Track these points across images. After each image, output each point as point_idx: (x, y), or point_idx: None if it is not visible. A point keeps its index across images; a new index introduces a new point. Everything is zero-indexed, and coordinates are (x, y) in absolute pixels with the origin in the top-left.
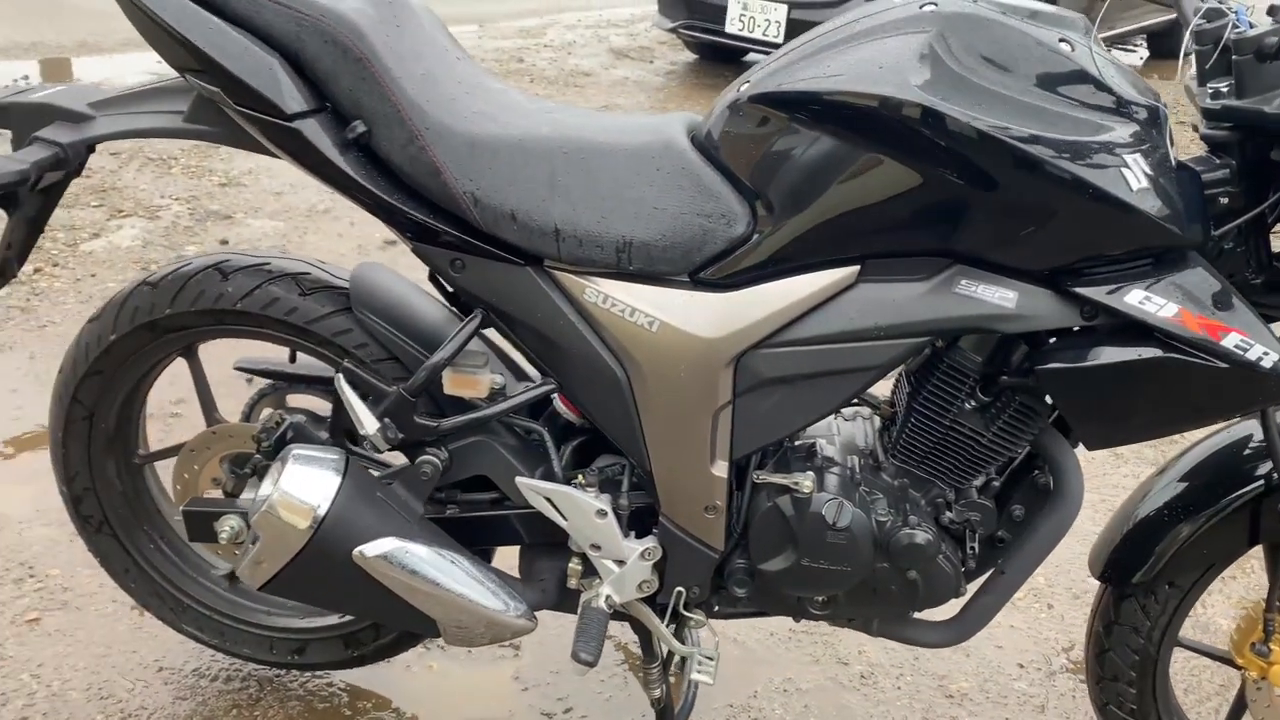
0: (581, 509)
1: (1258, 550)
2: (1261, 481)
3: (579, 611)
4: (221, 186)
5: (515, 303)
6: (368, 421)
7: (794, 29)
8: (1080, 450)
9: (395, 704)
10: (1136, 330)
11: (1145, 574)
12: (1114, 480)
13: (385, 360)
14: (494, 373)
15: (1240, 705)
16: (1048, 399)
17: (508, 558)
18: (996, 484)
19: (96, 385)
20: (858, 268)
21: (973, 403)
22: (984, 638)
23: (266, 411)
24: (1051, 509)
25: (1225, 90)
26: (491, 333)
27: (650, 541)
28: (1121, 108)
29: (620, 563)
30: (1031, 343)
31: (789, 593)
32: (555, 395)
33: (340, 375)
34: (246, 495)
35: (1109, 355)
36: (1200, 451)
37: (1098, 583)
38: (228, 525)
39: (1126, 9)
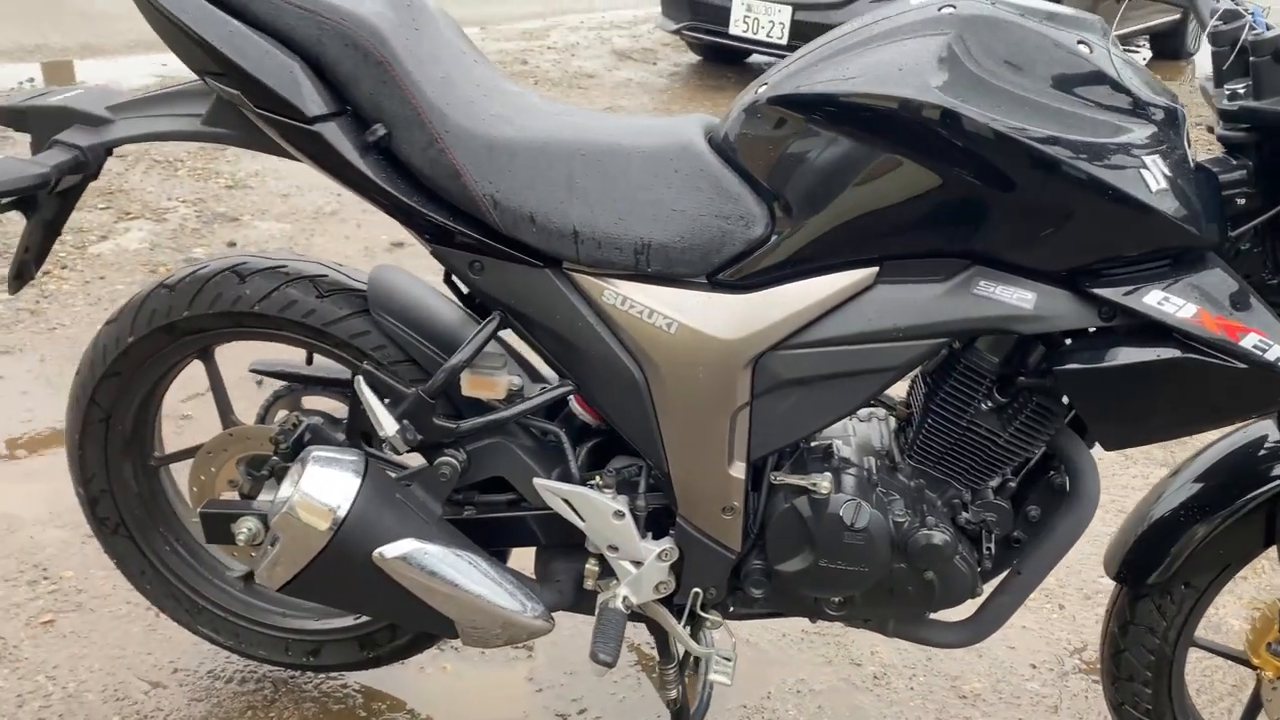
0: (599, 510)
1: (1271, 550)
2: (1277, 482)
3: (597, 613)
4: (228, 189)
5: (534, 304)
6: (387, 423)
7: (798, 30)
8: (1094, 450)
9: (410, 705)
10: (1154, 331)
11: (1161, 574)
12: (1123, 481)
13: (402, 362)
14: (511, 374)
15: (1255, 705)
16: (1064, 400)
17: (521, 560)
18: (1012, 485)
19: (114, 387)
20: (876, 269)
21: (990, 403)
22: (996, 638)
23: (282, 413)
24: (1068, 509)
25: (1243, 91)
26: (507, 334)
27: (667, 543)
28: (1140, 109)
29: (637, 564)
30: (1048, 344)
31: (806, 593)
32: (572, 397)
33: (360, 377)
34: (264, 497)
35: (1127, 356)
36: (1216, 452)
37: (1109, 583)
38: (245, 527)
39: (1130, 9)
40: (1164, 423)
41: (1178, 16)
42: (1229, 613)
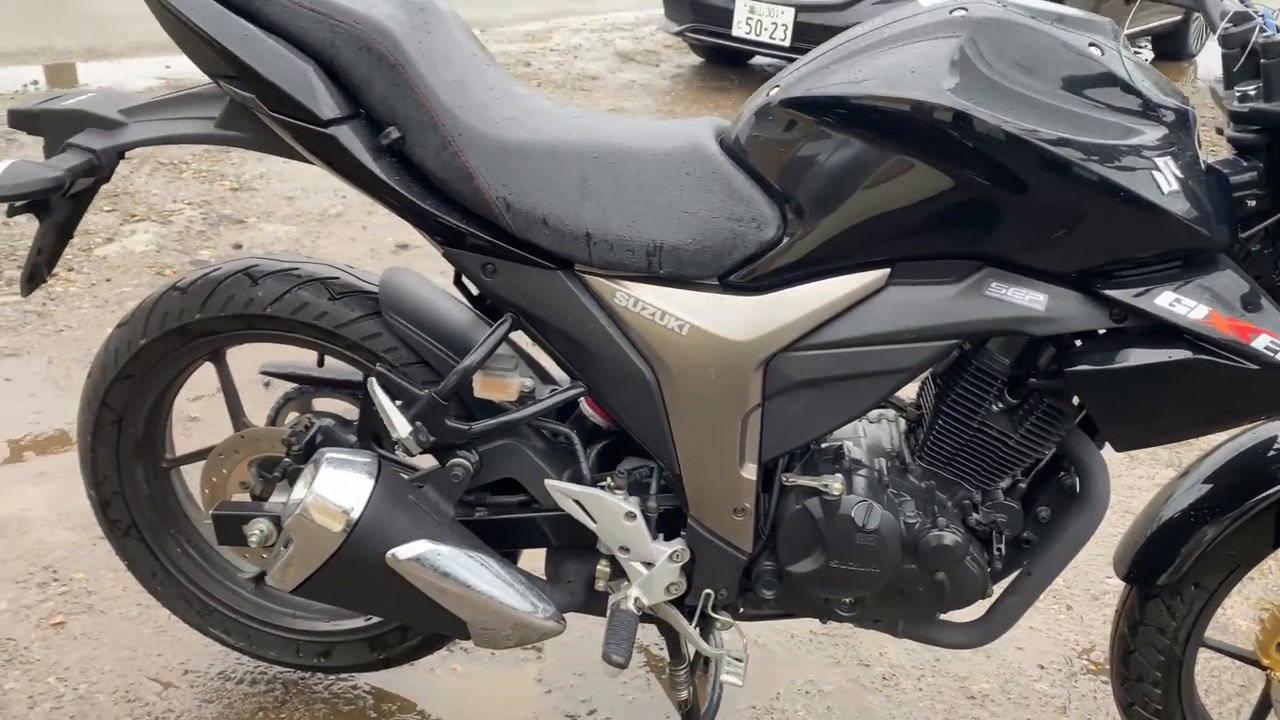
0: (611, 511)
1: (1277, 552)
2: None
3: (608, 614)
4: (233, 191)
5: (546, 306)
6: (400, 425)
7: (801, 32)
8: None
9: (420, 706)
10: (1165, 332)
11: (1171, 575)
12: (1129, 482)
13: (414, 364)
14: (523, 376)
15: (1265, 706)
16: (1075, 401)
17: (530, 561)
18: (1023, 485)
19: (126, 390)
20: (888, 271)
21: (1000, 405)
22: (1004, 639)
23: (292, 415)
24: (1078, 510)
25: (1253, 93)
26: (516, 335)
27: (678, 544)
28: (1151, 110)
29: (649, 565)
30: (1059, 345)
31: (817, 594)
32: (582, 398)
33: (373, 379)
34: (276, 499)
35: (1139, 357)
36: (1225, 453)
37: (1117, 584)
38: (258, 529)
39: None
40: (1175, 424)
41: (1179, 17)
42: (1236, 613)
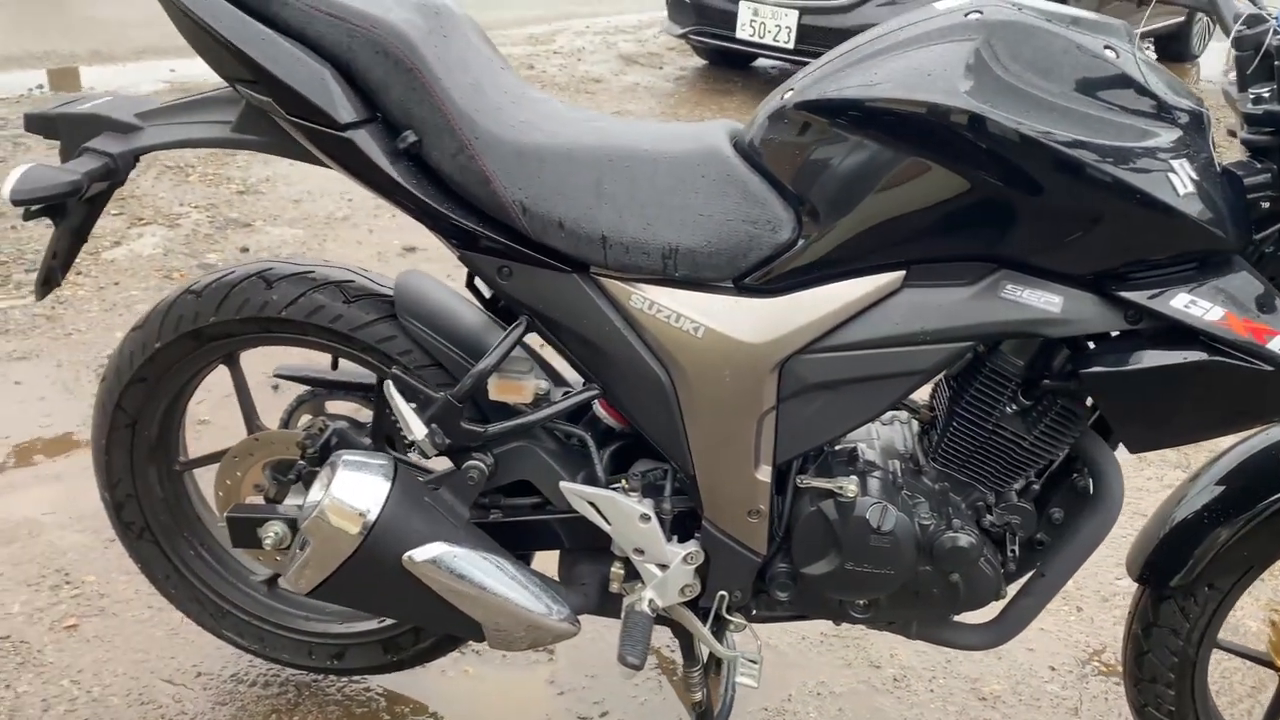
0: (625, 513)
1: None
2: None
3: (623, 615)
4: (240, 194)
5: (562, 309)
6: (416, 427)
7: (804, 34)
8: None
9: (432, 708)
10: (1180, 334)
11: (1184, 577)
12: (1138, 483)
13: (429, 366)
14: (538, 379)
15: (1277, 707)
16: (1089, 402)
17: (540, 564)
18: (1036, 487)
19: (140, 393)
20: (903, 273)
21: (1014, 406)
22: (1015, 641)
23: (305, 418)
24: (1092, 511)
25: (1267, 95)
26: (529, 338)
27: (693, 546)
28: (1166, 113)
29: (663, 567)
30: (1073, 347)
31: (831, 596)
32: (596, 400)
33: (389, 382)
34: (291, 501)
35: (1154, 359)
36: (1237, 455)
37: (1127, 585)
38: (272, 531)
39: (1134, 12)
40: (1190, 425)
41: (1182, 19)
42: (1245, 614)
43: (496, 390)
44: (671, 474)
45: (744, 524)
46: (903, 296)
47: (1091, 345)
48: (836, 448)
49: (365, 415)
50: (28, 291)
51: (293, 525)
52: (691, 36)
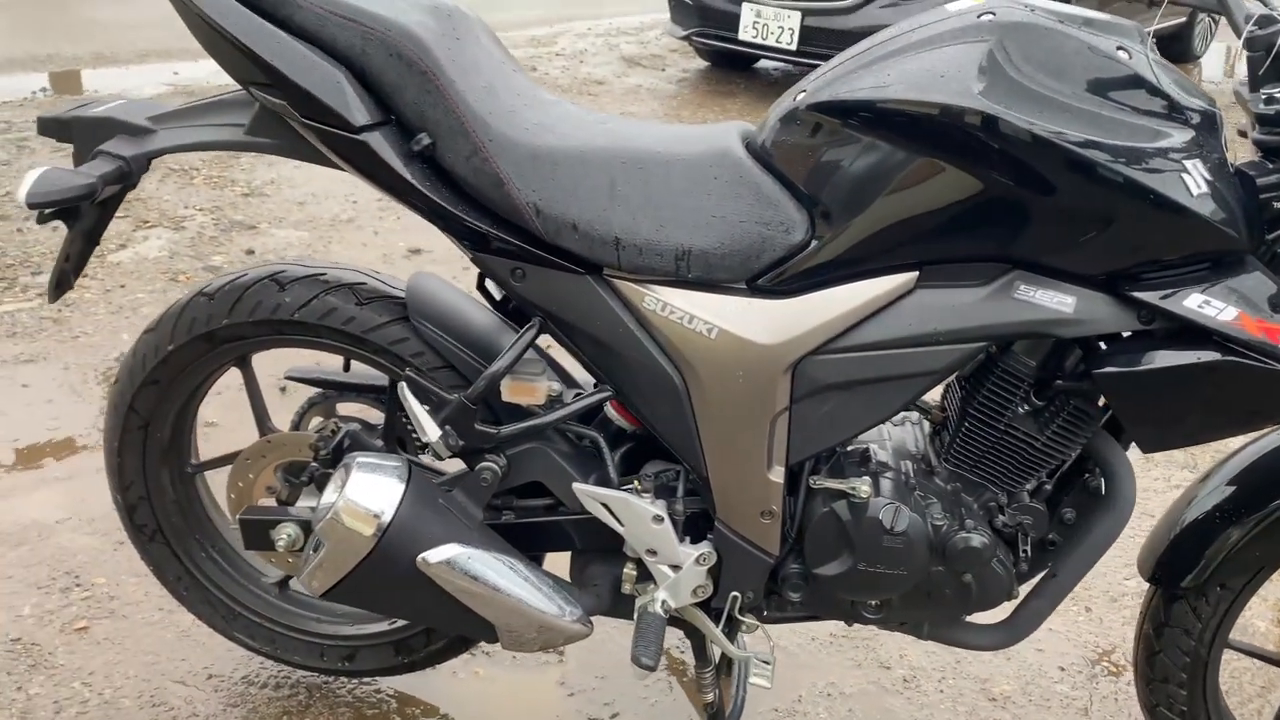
0: (638, 514)
1: None
2: None
3: (636, 616)
4: (244, 196)
5: (575, 311)
6: (430, 429)
7: (808, 36)
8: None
9: (443, 710)
10: (1193, 334)
11: (1196, 577)
12: (1145, 484)
13: (441, 368)
14: (550, 380)
15: None
16: (1101, 402)
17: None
18: (1048, 487)
19: (153, 395)
20: (916, 274)
21: (1027, 407)
22: (1024, 641)
23: (316, 420)
24: (1104, 511)
25: (1279, 95)
26: (540, 339)
27: (705, 547)
28: (1180, 113)
29: (676, 568)
30: (1085, 347)
31: (843, 597)
32: (608, 402)
33: (403, 384)
34: (303, 503)
35: (1168, 359)
36: (1248, 455)
37: (1136, 585)
38: (285, 533)
39: (1138, 12)
40: (1203, 425)
41: (1184, 19)
42: (1254, 614)
43: (510, 392)
44: (684, 475)
45: (757, 525)
46: (916, 297)
47: (1103, 345)
48: (849, 448)
49: (375, 417)
50: (34, 294)
51: (306, 527)
52: (694, 38)
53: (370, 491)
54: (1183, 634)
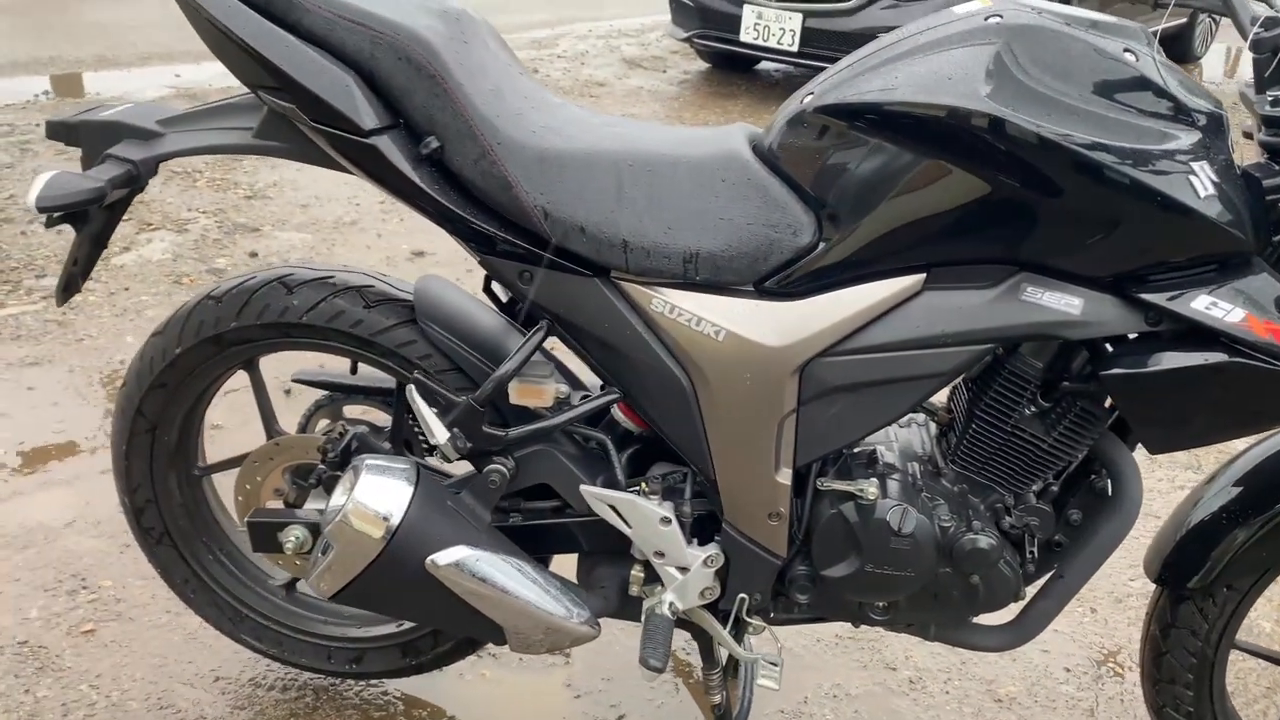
0: (646, 516)
1: None
2: None
3: (644, 618)
4: (247, 199)
5: (583, 313)
6: (439, 432)
7: (809, 37)
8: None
9: (450, 712)
10: (1201, 335)
11: (1202, 578)
12: (1149, 485)
13: (449, 371)
14: (558, 382)
15: None
16: (1107, 404)
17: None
18: (1054, 488)
19: (160, 398)
20: (923, 275)
21: (1034, 408)
22: (1030, 642)
23: (323, 423)
24: (1111, 513)
25: None
26: (548, 342)
27: (713, 548)
28: (1186, 115)
29: (683, 570)
30: (1092, 349)
31: (851, 598)
32: (615, 404)
33: (411, 386)
34: (312, 505)
35: (1175, 360)
36: (1253, 456)
37: (1141, 586)
38: (293, 535)
39: (1137, 13)
40: (1210, 426)
41: (1184, 20)
42: (1259, 615)
43: (517, 394)
44: (691, 477)
45: (764, 526)
46: (923, 299)
47: (1110, 347)
48: (856, 450)
49: (382, 419)
50: (39, 297)
51: (314, 529)
52: (695, 40)
53: (379, 494)
54: (1189, 635)
